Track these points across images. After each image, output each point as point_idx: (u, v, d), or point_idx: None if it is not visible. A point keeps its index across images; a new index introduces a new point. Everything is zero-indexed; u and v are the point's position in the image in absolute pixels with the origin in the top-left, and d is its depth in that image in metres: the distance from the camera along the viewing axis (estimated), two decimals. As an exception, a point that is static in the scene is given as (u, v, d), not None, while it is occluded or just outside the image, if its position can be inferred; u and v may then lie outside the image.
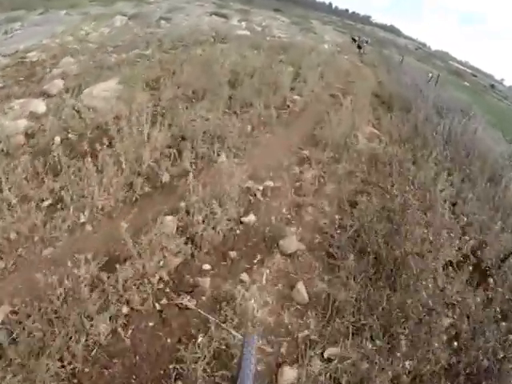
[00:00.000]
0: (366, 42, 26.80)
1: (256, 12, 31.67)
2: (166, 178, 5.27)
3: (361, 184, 6.09)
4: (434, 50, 62.50)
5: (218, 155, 5.85)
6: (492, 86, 52.02)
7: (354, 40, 29.18)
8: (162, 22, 18.70)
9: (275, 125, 7.36)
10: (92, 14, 19.90)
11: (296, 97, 9.29)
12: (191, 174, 4.96)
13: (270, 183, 5.45)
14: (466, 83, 38.94)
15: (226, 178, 5.00)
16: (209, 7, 29.39)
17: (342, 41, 28.98)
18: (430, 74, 14.08)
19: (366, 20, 68.95)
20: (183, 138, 6.07)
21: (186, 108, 7.13)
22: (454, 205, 6.21)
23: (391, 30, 65.75)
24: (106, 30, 16.22)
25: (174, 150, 5.65)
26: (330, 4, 78.89)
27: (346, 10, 75.63)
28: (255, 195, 5.14)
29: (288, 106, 8.54)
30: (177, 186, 5.15)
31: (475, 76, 53.71)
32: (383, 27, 64.95)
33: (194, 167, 5.56)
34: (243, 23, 22.73)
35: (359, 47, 24.93)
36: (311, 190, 5.51)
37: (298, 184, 5.63)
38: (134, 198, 4.86)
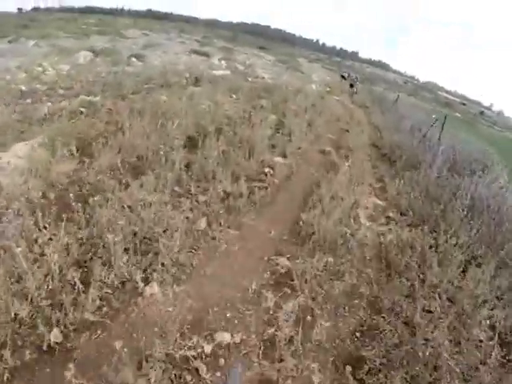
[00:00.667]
0: (356, 79, 25.53)
1: (240, 50, 30.63)
2: (56, 335, 3.07)
3: (367, 313, 3.97)
4: (422, 82, 62.73)
5: (147, 282, 3.70)
6: (481, 113, 52.01)
7: (344, 78, 28.05)
8: (133, 59, 16.97)
9: (244, 211, 5.24)
10: (60, 47, 18.17)
11: (277, 159, 7.28)
12: (98, 328, 2.91)
13: (224, 337, 3.25)
14: (457, 114, 38.29)
15: (150, 338, 2.90)
16: (190, 44, 28.34)
17: (330, 79, 27.77)
18: (434, 116, 12.31)
19: (354, 56, 69.12)
20: (96, 250, 3.94)
21: (120, 185, 5.11)
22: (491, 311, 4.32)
23: (379, 64, 66.01)
24: (66, 67, 14.30)
25: (78, 275, 3.49)
26: (318, 41, 79.42)
27: (334, 47, 76.02)
28: (197, 372, 2.95)
29: (266, 175, 6.47)
30: (72, 350, 2.95)
31: (464, 104, 53.80)
32: (371, 63, 65.19)
33: (105, 309, 3.39)
34: (224, 62, 21.23)
35: (351, 86, 23.52)
36: (292, 343, 3.33)
37: (271, 332, 3.42)
38: (5, 376, 2.65)
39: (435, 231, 5.76)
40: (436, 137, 10.88)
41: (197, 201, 5.24)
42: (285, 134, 8.85)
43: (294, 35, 75.22)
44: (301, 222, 5.11)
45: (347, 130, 11.88)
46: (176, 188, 5.41)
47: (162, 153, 6.05)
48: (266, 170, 6.57)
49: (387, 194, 6.88)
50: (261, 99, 12.73)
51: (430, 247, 5.24)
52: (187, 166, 5.96)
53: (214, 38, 38.17)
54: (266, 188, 6.01)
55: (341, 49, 75.78)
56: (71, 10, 61.39)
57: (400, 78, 58.51)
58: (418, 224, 5.95)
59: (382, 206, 6.40)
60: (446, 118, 10.19)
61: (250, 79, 17.19)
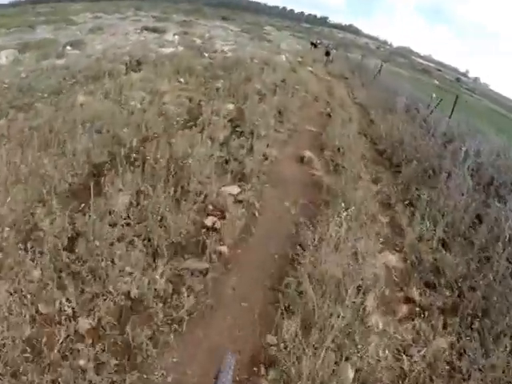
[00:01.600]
0: (331, 46, 22.93)
1: (201, 23, 27.50)
2: None
3: None
4: (396, 46, 60.40)
5: None
6: (457, 80, 50.93)
7: (314, 45, 25.34)
8: (68, 48, 13.93)
9: (159, 348, 2.64)
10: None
11: (230, 189, 4.66)
12: None
13: None
14: (436, 82, 36.37)
15: None
16: (145, 22, 25.39)
17: (301, 48, 24.83)
18: (434, 96, 9.89)
19: (323, 21, 65.47)
20: None
21: None
22: None
23: (350, 29, 62.94)
24: (-17, 71, 11.06)
25: None
26: (284, 8, 74.81)
27: (302, 13, 71.78)
28: None
29: (208, 235, 3.77)
30: None
31: (440, 70, 52.29)
32: (342, 28, 62.01)
33: None
34: (178, 37, 18.15)
35: (327, 53, 20.80)
36: None
37: None
38: None
39: (478, 317, 3.39)
40: (441, 123, 8.48)
41: (76, 331, 2.67)
42: (245, 135, 6.25)
43: (259, 3, 70.48)
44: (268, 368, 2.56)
45: (329, 115, 9.35)
46: (41, 306, 2.79)
47: (30, 221, 3.43)
48: (210, 221, 3.91)
49: (402, 239, 4.45)
50: (217, 80, 9.95)
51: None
52: (70, 244, 3.29)
53: (173, 12, 34.85)
54: (205, 272, 3.31)
55: (309, 14, 71.71)
56: (24, 1, 55.16)
57: (372, 43, 55.85)
58: (454, 305, 3.58)
59: (398, 270, 3.97)
60: (457, 98, 7.68)
61: (206, 55, 14.26)
